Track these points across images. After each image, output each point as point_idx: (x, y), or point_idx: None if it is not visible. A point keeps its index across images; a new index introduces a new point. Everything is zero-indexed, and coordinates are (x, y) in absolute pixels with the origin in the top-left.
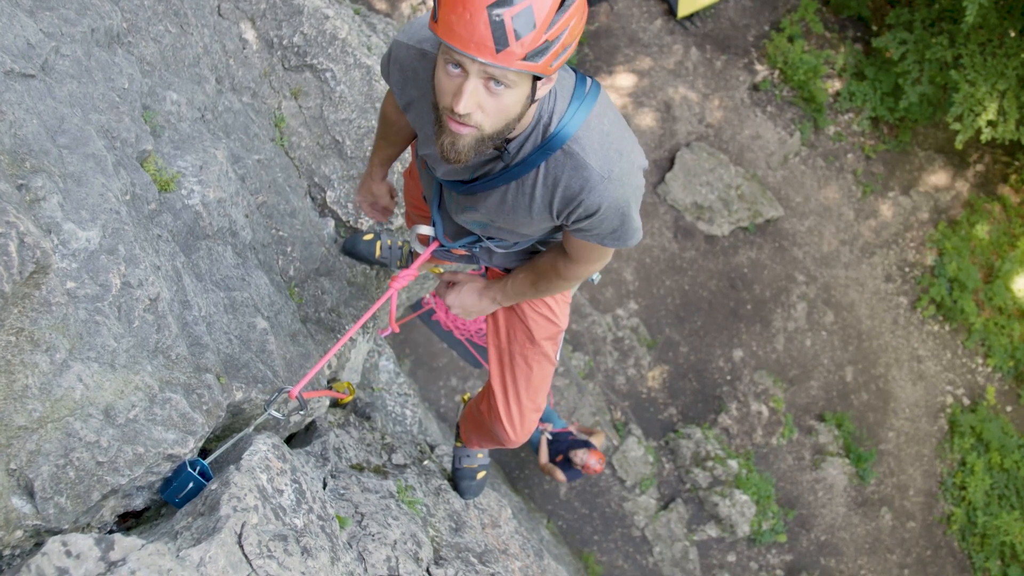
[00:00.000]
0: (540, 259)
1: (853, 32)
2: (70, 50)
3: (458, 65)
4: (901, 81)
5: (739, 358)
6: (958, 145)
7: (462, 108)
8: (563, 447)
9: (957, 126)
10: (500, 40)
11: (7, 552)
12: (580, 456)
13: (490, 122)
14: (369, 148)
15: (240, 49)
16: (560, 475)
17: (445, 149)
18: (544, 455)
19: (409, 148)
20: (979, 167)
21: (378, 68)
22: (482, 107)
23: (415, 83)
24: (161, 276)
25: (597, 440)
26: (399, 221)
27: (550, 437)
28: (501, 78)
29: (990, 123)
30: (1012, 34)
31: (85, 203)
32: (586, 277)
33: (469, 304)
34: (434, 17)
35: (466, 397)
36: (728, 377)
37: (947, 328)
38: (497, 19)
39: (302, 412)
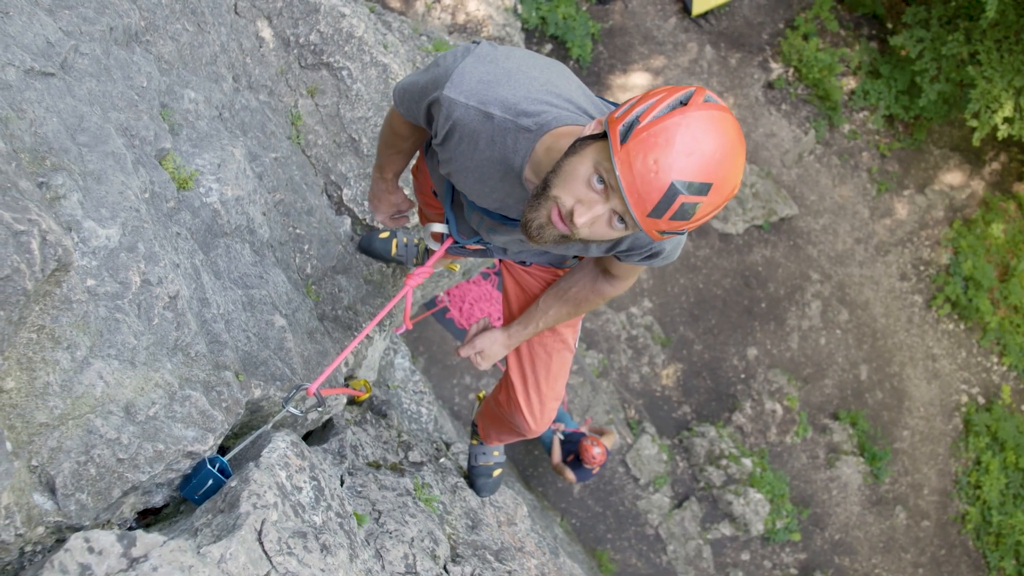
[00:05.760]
0: (572, 288)
1: (868, 30)
2: (89, 49)
3: (604, 183)
4: (919, 79)
5: (753, 356)
6: (975, 142)
7: (579, 222)
8: (574, 447)
9: (974, 123)
10: (659, 211)
11: (28, 549)
12: (584, 448)
13: (587, 235)
14: None
15: (257, 47)
16: (571, 475)
17: (531, 228)
18: (557, 455)
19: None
20: (995, 165)
21: (395, 66)
22: (593, 225)
23: (472, 143)
24: (180, 274)
25: (608, 440)
26: (414, 219)
27: (562, 437)
28: (629, 223)
29: (1006, 120)
30: None
31: (105, 201)
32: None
33: (495, 352)
34: (622, 140)
35: (481, 395)
36: (742, 375)
37: (962, 327)
38: (671, 195)
39: (320, 409)
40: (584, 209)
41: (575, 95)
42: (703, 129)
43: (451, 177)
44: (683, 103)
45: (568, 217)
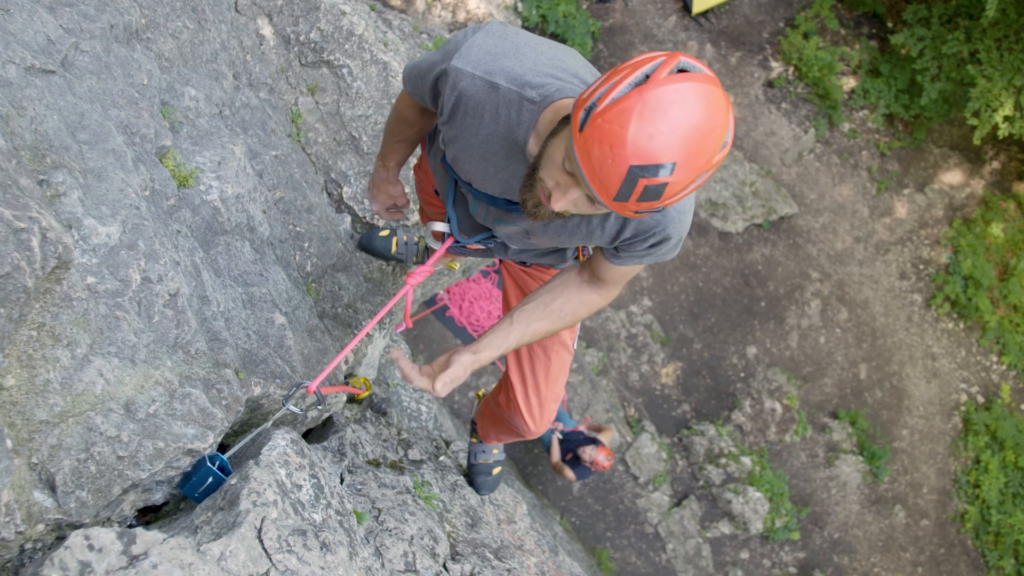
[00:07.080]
0: (556, 300)
1: (868, 29)
2: (89, 46)
3: (573, 174)
4: (919, 78)
5: (753, 355)
6: (976, 141)
7: (556, 207)
8: (573, 446)
9: (974, 121)
10: (624, 195)
11: (28, 546)
12: (588, 453)
13: (577, 211)
14: None
15: (257, 45)
16: (570, 474)
17: (528, 206)
18: (556, 454)
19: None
20: (994, 164)
21: (395, 64)
22: (576, 205)
23: (478, 116)
24: (180, 271)
25: (606, 437)
26: (415, 217)
27: (561, 436)
28: (599, 206)
29: (1006, 119)
30: None
31: (105, 199)
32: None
33: (461, 374)
34: (580, 128)
35: (480, 393)
36: (742, 374)
37: (962, 326)
38: (632, 180)
39: (320, 407)
40: (560, 194)
41: (582, 72)
42: (662, 108)
43: (456, 162)
44: (647, 76)
45: (548, 199)
